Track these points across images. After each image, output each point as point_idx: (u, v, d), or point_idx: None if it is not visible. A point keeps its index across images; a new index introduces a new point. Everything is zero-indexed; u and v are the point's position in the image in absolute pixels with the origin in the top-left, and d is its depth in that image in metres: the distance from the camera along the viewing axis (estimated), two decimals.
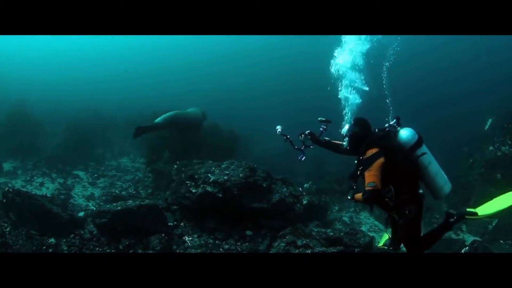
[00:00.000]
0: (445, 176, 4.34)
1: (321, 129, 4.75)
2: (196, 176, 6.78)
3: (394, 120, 4.27)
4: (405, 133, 4.18)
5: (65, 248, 5.81)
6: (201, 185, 6.56)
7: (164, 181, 9.80)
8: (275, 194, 6.86)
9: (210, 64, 43.50)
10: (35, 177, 11.16)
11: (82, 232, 6.22)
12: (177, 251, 6.07)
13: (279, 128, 4.76)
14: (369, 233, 8.84)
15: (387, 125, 4.30)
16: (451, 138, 16.67)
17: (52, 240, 5.89)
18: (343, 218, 9.80)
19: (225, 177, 6.48)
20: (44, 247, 5.69)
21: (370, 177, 3.87)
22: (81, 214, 7.65)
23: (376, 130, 4.33)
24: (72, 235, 6.11)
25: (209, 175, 6.61)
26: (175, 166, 7.64)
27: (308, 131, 4.76)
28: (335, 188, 12.22)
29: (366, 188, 3.87)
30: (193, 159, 7.65)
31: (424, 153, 4.15)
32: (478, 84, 32.85)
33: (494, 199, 4.95)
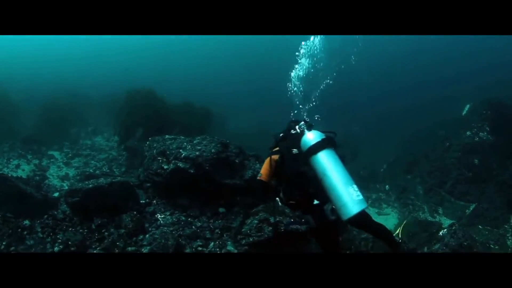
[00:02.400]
0: (354, 194, 3.58)
1: None
2: (167, 152, 6.56)
3: (302, 123, 4.20)
4: (307, 136, 3.92)
5: (39, 229, 5.63)
6: (173, 161, 6.34)
7: (138, 159, 9.61)
8: (248, 170, 6.67)
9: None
10: (11, 159, 11.00)
11: (55, 212, 6.02)
12: (150, 229, 5.89)
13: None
14: None
15: (298, 126, 4.22)
16: (428, 122, 16.87)
17: (26, 222, 5.72)
18: None
19: (197, 153, 6.27)
20: (19, 230, 5.52)
21: (261, 169, 4.16)
22: (56, 194, 7.46)
23: (292, 131, 4.28)
24: (45, 216, 5.93)
25: (180, 150, 6.40)
26: (147, 143, 7.39)
27: None
28: None
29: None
30: (166, 135, 7.40)
31: (322, 158, 3.75)
32: (457, 73, 33.31)
33: None
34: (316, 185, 3.76)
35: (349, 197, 3.56)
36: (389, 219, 10.80)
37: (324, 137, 3.88)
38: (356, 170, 13.49)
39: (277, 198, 4.16)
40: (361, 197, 3.59)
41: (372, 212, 11.08)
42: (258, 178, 4.12)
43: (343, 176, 3.65)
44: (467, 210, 10.47)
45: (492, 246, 7.94)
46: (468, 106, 14.39)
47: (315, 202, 3.83)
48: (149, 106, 11.26)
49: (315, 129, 4.12)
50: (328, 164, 3.70)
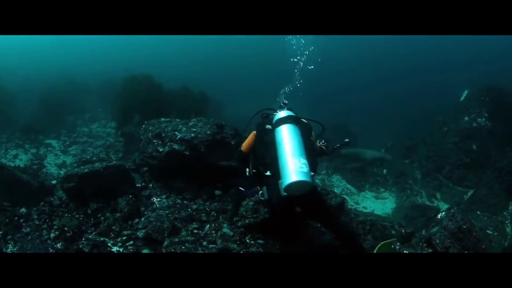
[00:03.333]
0: (298, 165, 3.60)
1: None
2: (163, 135, 6.52)
3: (281, 105, 4.59)
4: (279, 114, 4.24)
5: (35, 217, 5.67)
6: (168, 144, 6.30)
7: (134, 145, 9.58)
8: None
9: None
10: (9, 150, 11.08)
11: (52, 199, 6.03)
12: (145, 212, 5.87)
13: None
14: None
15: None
16: (427, 108, 16.82)
17: (23, 209, 5.77)
18: (315, 181, 9.82)
19: (192, 135, 6.22)
20: (16, 218, 5.57)
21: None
22: (54, 182, 7.41)
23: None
24: (42, 203, 5.96)
25: (176, 133, 6.35)
26: (143, 126, 7.34)
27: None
28: None
29: None
30: (161, 118, 7.34)
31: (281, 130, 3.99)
32: (456, 59, 33.13)
33: None
34: (271, 155, 3.91)
35: (291, 167, 3.60)
36: (386, 203, 10.84)
37: (291, 114, 4.16)
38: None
39: (247, 169, 4.50)
40: (304, 169, 3.59)
41: (370, 196, 11.13)
42: (238, 149, 4.62)
43: (295, 148, 3.75)
44: (465, 196, 10.48)
45: (491, 232, 7.92)
46: (466, 92, 14.30)
47: (268, 173, 3.97)
48: (146, 91, 11.20)
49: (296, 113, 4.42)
50: (285, 136, 3.89)
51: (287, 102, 4.63)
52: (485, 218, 8.64)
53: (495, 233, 7.91)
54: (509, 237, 7.71)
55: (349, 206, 9.23)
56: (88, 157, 10.61)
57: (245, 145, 4.58)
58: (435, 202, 10.64)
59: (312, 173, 3.83)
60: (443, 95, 17.71)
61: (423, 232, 5.56)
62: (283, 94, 4.95)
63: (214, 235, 5.42)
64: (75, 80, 19.04)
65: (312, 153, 4.12)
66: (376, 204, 10.67)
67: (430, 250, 4.74)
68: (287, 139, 3.85)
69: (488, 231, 7.92)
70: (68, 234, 5.22)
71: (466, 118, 12.67)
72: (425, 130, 14.05)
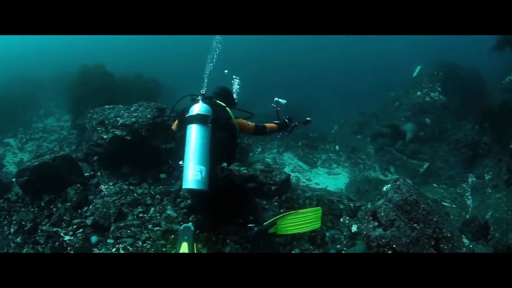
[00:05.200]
0: (195, 172, 4.02)
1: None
2: (106, 122, 6.48)
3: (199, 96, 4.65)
4: (193, 106, 4.40)
5: None
6: (111, 130, 6.28)
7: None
8: None
9: None
10: None
11: (9, 195, 6.01)
12: (94, 200, 5.89)
13: (277, 99, 5.15)
14: (292, 173, 9.04)
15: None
16: (380, 84, 17.07)
17: None
18: (266, 160, 9.92)
19: (133, 119, 6.22)
20: None
21: None
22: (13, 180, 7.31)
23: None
24: (1, 200, 5.97)
25: (118, 118, 6.33)
26: (88, 115, 7.28)
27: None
28: None
29: None
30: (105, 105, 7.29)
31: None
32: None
33: (297, 216, 4.83)
34: (183, 150, 4.23)
35: (187, 172, 4.06)
36: (339, 179, 10.99)
37: (201, 113, 4.25)
38: (307, 133, 13.66)
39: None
40: (198, 177, 4.01)
41: (322, 173, 11.31)
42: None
43: (195, 153, 4.07)
44: (420, 169, 10.60)
45: (448, 205, 7.94)
46: (418, 67, 14.60)
47: (180, 162, 4.28)
48: (98, 81, 11.10)
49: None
50: (190, 138, 4.16)
51: (204, 92, 4.63)
52: (442, 191, 8.75)
53: (453, 206, 7.94)
54: (470, 209, 7.71)
55: (301, 183, 9.42)
56: (43, 152, 10.50)
57: (174, 125, 4.95)
58: (389, 175, 10.72)
59: (222, 168, 4.32)
60: (396, 72, 17.99)
61: (369, 205, 5.63)
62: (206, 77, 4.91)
63: (158, 217, 5.52)
64: (28, 76, 18.55)
65: (226, 148, 4.50)
66: (329, 180, 10.79)
67: (376, 223, 4.64)
68: (191, 143, 4.14)
69: (445, 204, 7.89)
70: (25, 228, 5.37)
71: (418, 93, 12.96)
72: (377, 106, 14.29)
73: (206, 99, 4.54)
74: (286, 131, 5.24)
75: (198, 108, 4.30)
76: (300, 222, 4.78)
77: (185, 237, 4.35)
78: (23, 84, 17.21)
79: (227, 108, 4.63)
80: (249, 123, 4.85)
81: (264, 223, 4.67)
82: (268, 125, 5.07)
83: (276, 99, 5.15)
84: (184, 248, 4.26)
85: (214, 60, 4.88)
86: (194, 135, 4.14)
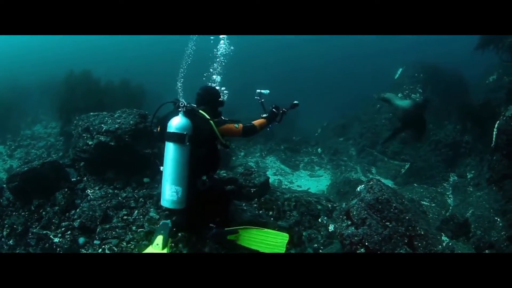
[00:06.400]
0: (171, 193, 4.13)
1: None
2: (91, 128, 6.71)
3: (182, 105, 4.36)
4: (173, 119, 4.24)
5: None
6: (96, 136, 6.52)
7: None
8: None
9: None
10: None
11: (1, 200, 6.26)
12: (81, 204, 6.10)
13: (259, 90, 5.14)
14: (274, 176, 9.25)
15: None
16: (362, 87, 17.23)
17: None
18: (249, 163, 10.11)
19: (117, 125, 6.46)
20: None
21: None
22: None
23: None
24: None
25: (102, 125, 6.57)
26: (74, 122, 7.50)
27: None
28: None
29: None
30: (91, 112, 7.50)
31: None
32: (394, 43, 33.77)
33: (263, 234, 4.93)
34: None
35: (163, 191, 4.18)
36: (321, 181, 11.16)
37: (178, 132, 4.10)
38: (290, 136, 13.84)
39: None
40: (174, 198, 4.14)
41: (304, 175, 11.53)
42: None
43: (174, 174, 4.12)
44: (402, 170, 10.82)
45: (427, 204, 8.05)
46: (400, 70, 14.82)
47: (161, 168, 4.29)
48: (84, 88, 11.28)
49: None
50: (169, 156, 4.15)
51: (183, 103, 4.27)
52: (422, 190, 8.90)
53: (433, 204, 8.05)
54: (450, 208, 7.82)
55: (283, 186, 9.62)
56: (32, 159, 10.66)
57: (158, 129, 4.67)
58: (370, 176, 10.76)
59: (203, 181, 4.38)
60: (378, 75, 18.18)
61: (343, 205, 5.69)
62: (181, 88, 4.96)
63: (142, 219, 5.76)
64: (16, 82, 18.62)
65: (207, 162, 4.51)
66: (311, 182, 10.93)
67: (349, 222, 4.67)
68: (168, 162, 4.16)
69: (424, 203, 7.99)
70: (17, 231, 5.69)
71: (399, 95, 13.12)
72: (359, 108, 14.45)
73: (187, 110, 4.24)
74: (276, 121, 5.09)
75: (176, 122, 4.12)
76: (264, 241, 4.83)
77: (162, 231, 4.45)
78: (10, 89, 17.24)
79: (210, 121, 4.34)
80: (236, 126, 4.57)
81: (227, 228, 4.68)
82: (256, 122, 4.85)
83: (258, 90, 5.11)
84: (159, 240, 4.37)
85: (189, 61, 4.99)
86: (171, 155, 4.11)
